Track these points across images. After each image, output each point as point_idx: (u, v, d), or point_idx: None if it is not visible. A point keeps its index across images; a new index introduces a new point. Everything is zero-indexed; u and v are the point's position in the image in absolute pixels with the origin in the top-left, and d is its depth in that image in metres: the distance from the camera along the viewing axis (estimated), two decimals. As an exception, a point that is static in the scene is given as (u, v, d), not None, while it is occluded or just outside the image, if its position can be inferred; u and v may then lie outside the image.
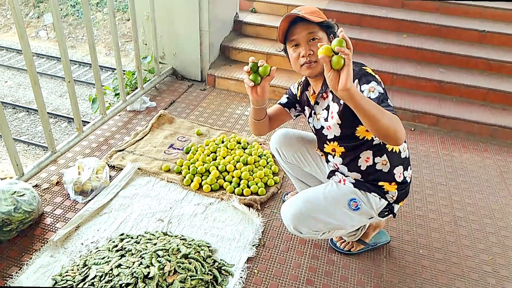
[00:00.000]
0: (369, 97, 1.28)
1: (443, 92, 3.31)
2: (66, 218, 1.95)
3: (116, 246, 1.70)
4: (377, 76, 1.38)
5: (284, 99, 1.74)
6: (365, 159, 1.53)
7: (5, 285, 1.60)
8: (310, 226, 1.57)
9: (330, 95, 1.48)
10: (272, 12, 4.11)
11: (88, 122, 2.70)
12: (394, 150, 1.53)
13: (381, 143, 1.50)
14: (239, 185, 2.21)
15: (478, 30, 3.68)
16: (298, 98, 1.70)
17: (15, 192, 1.82)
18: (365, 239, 1.85)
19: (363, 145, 1.51)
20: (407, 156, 1.58)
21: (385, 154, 1.52)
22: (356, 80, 1.34)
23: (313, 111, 1.61)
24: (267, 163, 2.41)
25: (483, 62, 3.46)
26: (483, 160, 2.74)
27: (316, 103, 1.58)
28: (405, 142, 1.58)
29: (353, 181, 1.59)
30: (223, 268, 1.69)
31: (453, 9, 3.97)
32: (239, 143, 2.57)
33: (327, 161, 1.70)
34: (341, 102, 1.41)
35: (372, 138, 1.49)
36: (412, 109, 3.09)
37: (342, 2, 4.18)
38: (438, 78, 3.31)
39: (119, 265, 1.55)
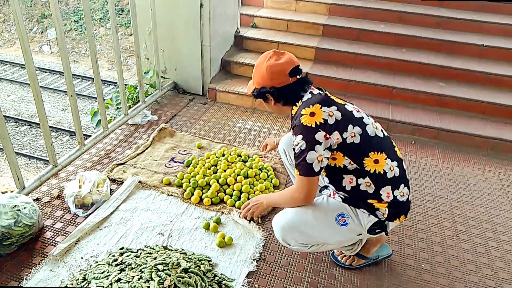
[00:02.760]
0: (294, 150, 1.52)
1: (443, 106, 3.33)
2: (66, 232, 1.94)
3: (116, 260, 1.69)
4: (310, 124, 1.47)
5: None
6: (349, 180, 1.56)
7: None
8: (297, 239, 1.60)
9: (292, 131, 1.59)
10: (273, 27, 4.16)
11: (90, 136, 2.72)
12: (377, 172, 1.52)
13: (357, 167, 1.52)
14: (239, 198, 2.21)
15: (477, 44, 3.72)
16: None
17: (15, 205, 1.82)
18: (366, 254, 1.83)
19: (340, 170, 1.56)
20: (397, 175, 1.55)
21: (367, 176, 1.52)
22: (293, 129, 1.55)
23: None
24: (268, 176, 2.41)
25: (483, 76, 3.48)
26: (485, 174, 2.74)
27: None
28: (393, 161, 1.56)
29: (343, 196, 1.60)
30: (223, 282, 1.68)
31: (452, 24, 4.01)
32: (240, 156, 2.58)
33: (322, 178, 1.75)
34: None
35: (344, 165, 1.53)
36: (413, 123, 3.11)
37: (341, 17, 4.24)
38: (437, 91, 3.33)
39: (119, 280, 1.53)
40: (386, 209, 1.53)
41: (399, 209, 1.56)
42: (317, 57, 3.79)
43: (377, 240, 1.84)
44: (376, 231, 1.59)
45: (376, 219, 1.55)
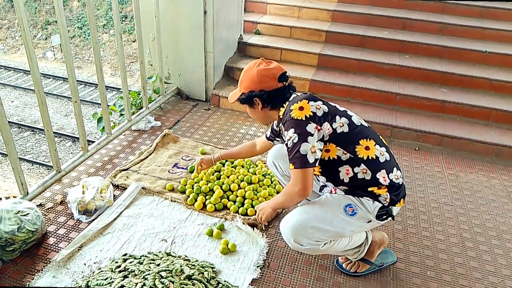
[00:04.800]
0: (287, 146, 1.56)
1: (446, 112, 3.32)
2: (70, 238, 1.94)
3: (119, 266, 1.68)
4: (301, 118, 1.52)
5: (268, 133, 2.00)
6: (345, 172, 1.59)
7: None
8: (310, 236, 1.60)
9: (283, 129, 1.63)
10: (276, 34, 4.18)
11: (93, 142, 2.72)
12: (370, 158, 1.57)
13: (351, 156, 1.56)
14: (243, 204, 2.20)
15: (480, 50, 3.72)
16: (278, 132, 1.87)
17: (19, 211, 1.82)
18: (370, 259, 1.82)
19: (335, 163, 1.58)
20: (388, 159, 1.61)
21: (362, 163, 1.57)
22: (284, 125, 1.60)
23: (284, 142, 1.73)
24: (271, 182, 2.40)
25: (486, 82, 3.47)
26: (489, 180, 2.72)
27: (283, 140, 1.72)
28: (381, 146, 1.62)
29: (344, 190, 1.62)
30: (227, 289, 1.66)
31: (455, 30, 4.02)
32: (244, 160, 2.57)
33: (317, 180, 1.77)
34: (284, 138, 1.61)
35: (338, 156, 1.57)
36: (416, 129, 3.10)
37: (344, 24, 4.25)
38: (441, 98, 3.32)
39: (122, 286, 1.52)
40: (387, 193, 1.57)
41: (397, 192, 1.60)
42: (320, 63, 3.80)
43: (381, 241, 1.82)
44: (383, 217, 1.62)
45: (381, 205, 1.58)
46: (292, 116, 1.54)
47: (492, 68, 3.65)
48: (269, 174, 2.46)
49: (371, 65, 3.68)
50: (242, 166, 2.51)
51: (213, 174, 2.42)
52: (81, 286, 1.59)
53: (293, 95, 1.67)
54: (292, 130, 1.53)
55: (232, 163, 2.56)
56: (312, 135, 1.50)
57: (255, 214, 2.12)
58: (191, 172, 2.49)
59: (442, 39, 3.93)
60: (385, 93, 3.41)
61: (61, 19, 2.09)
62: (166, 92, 3.44)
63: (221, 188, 2.28)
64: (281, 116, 1.66)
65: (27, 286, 1.66)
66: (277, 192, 2.33)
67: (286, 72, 1.68)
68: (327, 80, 3.53)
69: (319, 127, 1.52)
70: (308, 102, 1.57)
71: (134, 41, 10.33)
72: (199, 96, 3.56)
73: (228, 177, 2.39)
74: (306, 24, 4.16)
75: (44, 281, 1.68)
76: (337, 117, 1.58)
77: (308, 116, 1.53)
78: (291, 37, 4.15)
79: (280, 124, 1.68)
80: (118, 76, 9.40)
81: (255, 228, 2.05)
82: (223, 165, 2.53)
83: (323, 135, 1.53)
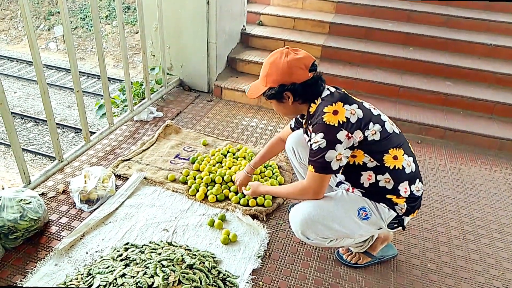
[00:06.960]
0: (311, 146, 1.49)
1: (450, 105, 3.30)
2: (72, 227, 1.95)
3: (120, 255, 1.69)
4: (333, 123, 1.43)
5: (293, 123, 1.92)
6: (367, 177, 1.55)
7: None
8: (318, 233, 1.58)
9: (311, 128, 1.55)
10: (279, 25, 4.15)
11: (95, 132, 2.72)
12: (397, 168, 1.52)
13: (377, 164, 1.51)
14: (244, 195, 2.20)
15: (485, 43, 3.68)
16: (303, 125, 1.78)
17: (21, 200, 1.83)
18: (372, 252, 1.82)
19: (359, 168, 1.54)
20: (413, 170, 1.57)
21: (387, 173, 1.52)
22: (313, 126, 1.51)
23: (308, 137, 1.67)
24: (273, 173, 2.40)
25: (491, 75, 3.44)
26: (492, 174, 2.71)
27: (306, 132, 1.66)
28: (409, 156, 1.57)
29: (361, 191, 1.59)
30: (227, 279, 1.67)
31: (460, 22, 3.98)
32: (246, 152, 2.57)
33: (335, 175, 1.73)
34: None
35: (364, 162, 1.52)
36: (419, 122, 3.08)
37: (348, 16, 4.22)
38: (444, 91, 3.30)
39: (123, 275, 1.54)
40: (405, 204, 1.54)
41: (414, 203, 1.58)
42: (324, 55, 3.77)
43: (385, 237, 1.83)
44: (395, 225, 1.60)
45: (396, 214, 1.56)
46: (324, 119, 1.44)
47: (497, 61, 3.61)
48: (270, 166, 2.46)
49: (374, 57, 3.66)
50: (244, 158, 2.51)
51: (214, 165, 2.42)
52: (83, 274, 1.60)
53: (326, 91, 1.55)
54: (322, 134, 1.45)
55: (234, 154, 2.56)
56: (341, 142, 1.44)
57: (256, 205, 2.13)
58: (193, 163, 2.49)
59: (447, 32, 3.89)
60: (388, 86, 3.39)
61: (63, 10, 2.08)
62: (169, 83, 3.43)
63: (223, 179, 2.28)
64: (311, 113, 1.55)
65: (17, 285, 1.66)
66: (279, 184, 2.33)
67: (315, 61, 1.54)
68: (330, 72, 3.51)
69: (350, 135, 1.44)
70: (343, 106, 1.47)
71: (136, 33, 10.28)
72: (202, 87, 3.55)
73: (230, 168, 2.39)
74: (310, 15, 4.13)
75: (46, 269, 1.70)
76: (371, 123, 1.49)
77: (341, 122, 1.44)
78: (295, 28, 4.12)
79: (308, 122, 1.59)
80: (121, 68, 9.40)
81: (256, 219, 2.05)
82: (225, 156, 2.54)
83: (353, 143, 1.46)
